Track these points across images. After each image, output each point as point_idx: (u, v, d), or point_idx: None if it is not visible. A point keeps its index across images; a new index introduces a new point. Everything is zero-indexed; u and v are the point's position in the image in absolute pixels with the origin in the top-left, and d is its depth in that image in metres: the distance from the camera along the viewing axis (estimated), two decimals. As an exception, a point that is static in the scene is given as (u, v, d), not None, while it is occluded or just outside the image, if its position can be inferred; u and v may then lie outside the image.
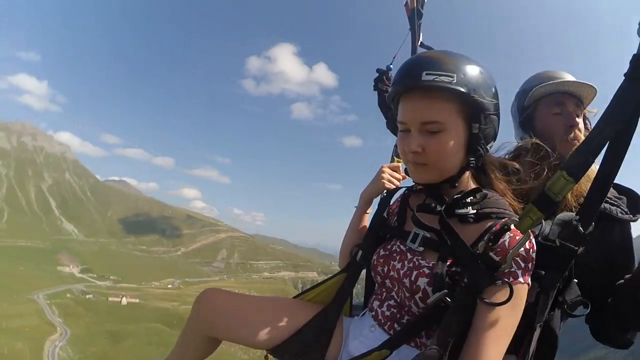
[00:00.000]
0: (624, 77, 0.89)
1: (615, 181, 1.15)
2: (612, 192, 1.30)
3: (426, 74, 0.97)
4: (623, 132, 0.91)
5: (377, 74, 1.95)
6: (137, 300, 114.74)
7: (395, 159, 1.62)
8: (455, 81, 0.96)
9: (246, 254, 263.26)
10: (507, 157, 1.38)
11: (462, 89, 0.96)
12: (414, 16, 1.73)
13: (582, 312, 1.16)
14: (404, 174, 1.46)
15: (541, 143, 1.32)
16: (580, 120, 1.40)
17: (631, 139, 0.92)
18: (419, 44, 1.73)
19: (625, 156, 0.94)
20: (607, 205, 1.25)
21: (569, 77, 1.42)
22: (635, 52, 0.87)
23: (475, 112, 1.01)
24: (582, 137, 1.36)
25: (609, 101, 0.92)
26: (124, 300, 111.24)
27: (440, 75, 0.96)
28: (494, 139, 1.11)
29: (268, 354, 1.23)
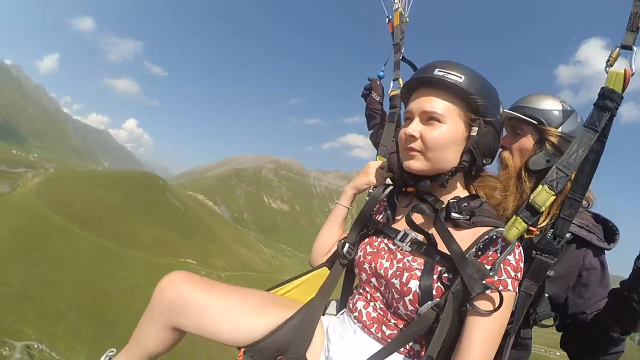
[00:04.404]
0: (593, 107, 1.11)
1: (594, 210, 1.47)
2: (589, 221, 1.43)
3: (438, 71, 1.09)
4: (593, 152, 1.10)
5: (369, 82, 2.10)
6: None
7: (379, 157, 1.68)
8: (461, 82, 1.07)
9: None
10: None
11: (466, 89, 1.07)
12: (397, 33, 1.87)
13: (550, 324, 1.33)
14: (389, 173, 1.47)
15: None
16: (511, 143, 1.58)
17: (600, 158, 1.12)
18: (400, 57, 1.85)
19: (595, 174, 1.13)
20: (584, 232, 1.38)
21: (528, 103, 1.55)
22: (603, 85, 1.09)
23: (475, 116, 1.10)
24: (511, 159, 1.55)
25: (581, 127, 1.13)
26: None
27: (450, 74, 1.08)
28: (491, 156, 1.17)
29: (243, 352, 1.12)
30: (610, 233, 1.43)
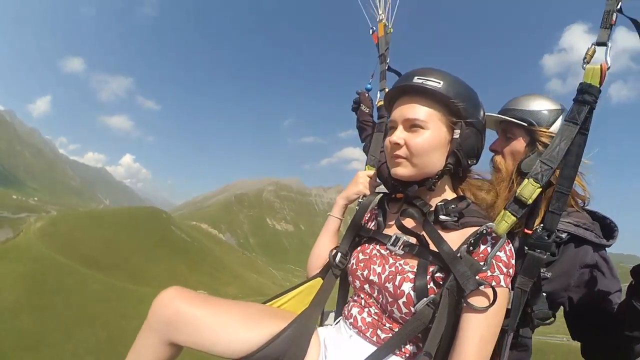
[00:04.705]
0: (573, 101, 1.15)
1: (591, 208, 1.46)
2: (586, 219, 1.40)
3: (417, 78, 1.13)
4: (576, 145, 1.12)
5: (358, 95, 2.11)
6: None
7: (368, 167, 1.72)
8: (440, 87, 1.10)
9: None
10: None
11: (446, 94, 1.10)
12: (382, 44, 1.92)
13: (550, 322, 1.31)
14: (379, 181, 1.51)
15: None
16: (503, 146, 1.56)
17: (583, 150, 1.13)
18: (386, 68, 1.91)
19: (579, 167, 1.15)
20: (581, 231, 1.34)
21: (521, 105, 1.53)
22: (581, 80, 1.13)
23: (456, 119, 1.13)
24: (503, 163, 1.53)
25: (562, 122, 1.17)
26: None
27: (429, 80, 1.11)
28: (476, 157, 1.20)
29: None
30: (608, 230, 1.42)
